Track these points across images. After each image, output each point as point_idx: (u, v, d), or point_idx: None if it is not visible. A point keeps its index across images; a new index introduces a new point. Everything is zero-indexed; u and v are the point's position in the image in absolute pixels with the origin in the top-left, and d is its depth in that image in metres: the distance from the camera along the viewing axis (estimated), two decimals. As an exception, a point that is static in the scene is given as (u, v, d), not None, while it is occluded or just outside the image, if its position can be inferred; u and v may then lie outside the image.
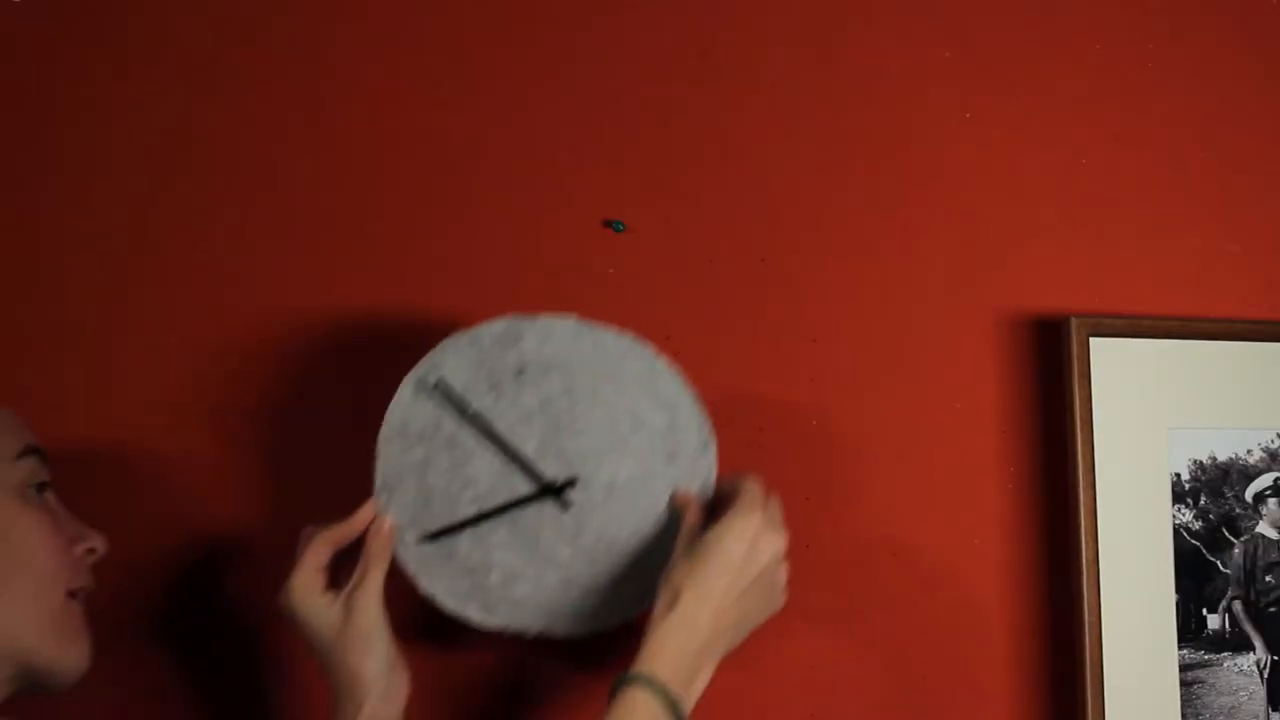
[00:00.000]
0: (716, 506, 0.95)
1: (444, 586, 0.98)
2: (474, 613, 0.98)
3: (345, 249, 1.09)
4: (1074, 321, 1.10)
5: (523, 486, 0.98)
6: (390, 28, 1.11)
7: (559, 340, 0.99)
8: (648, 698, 0.86)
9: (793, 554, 1.08)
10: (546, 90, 1.11)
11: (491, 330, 0.99)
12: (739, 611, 0.92)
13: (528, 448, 0.98)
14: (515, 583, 0.98)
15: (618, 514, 0.98)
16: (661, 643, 0.88)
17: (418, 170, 1.10)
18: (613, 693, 0.86)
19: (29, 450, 0.87)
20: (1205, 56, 1.18)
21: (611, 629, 0.98)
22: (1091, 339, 1.10)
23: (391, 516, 0.97)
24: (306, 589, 0.92)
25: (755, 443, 1.08)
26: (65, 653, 0.85)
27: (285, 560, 0.94)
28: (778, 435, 1.08)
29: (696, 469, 0.99)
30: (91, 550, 0.90)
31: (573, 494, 0.98)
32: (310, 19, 1.10)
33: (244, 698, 1.05)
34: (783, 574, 0.95)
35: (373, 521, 0.96)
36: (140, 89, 1.09)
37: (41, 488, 0.88)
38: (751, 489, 0.94)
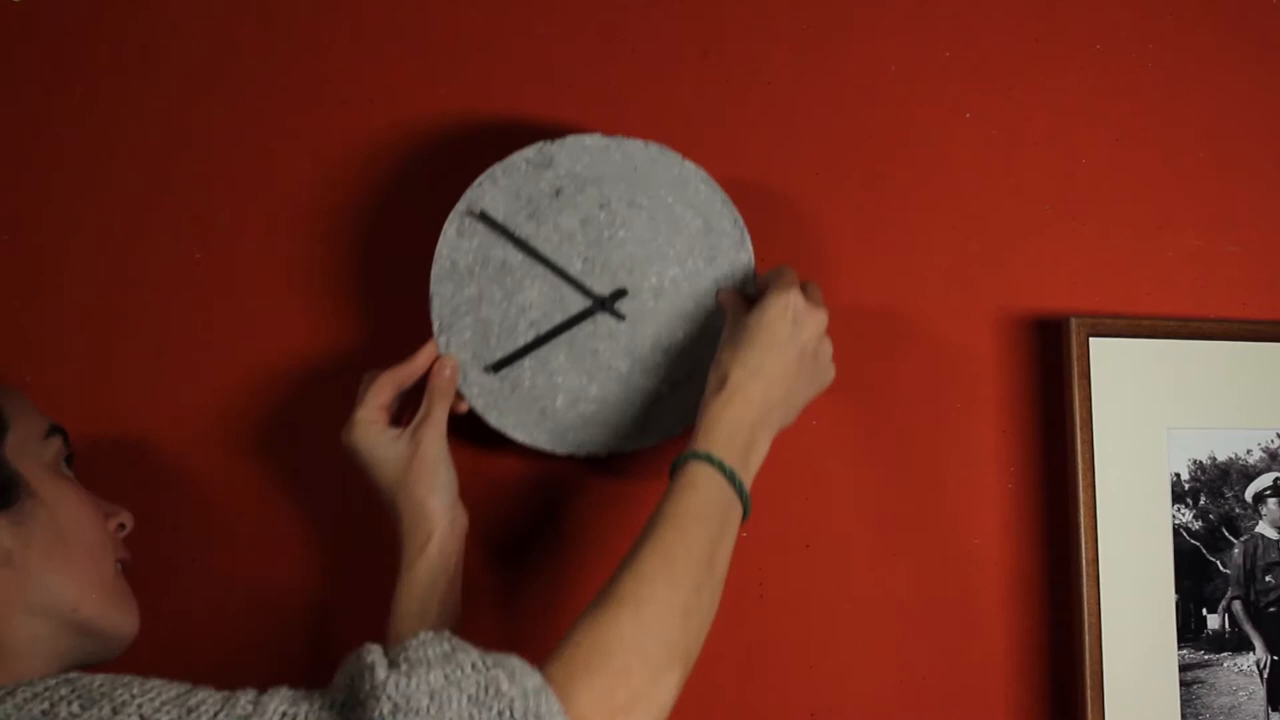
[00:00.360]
0: (759, 298, 0.98)
1: (513, 419, 1.01)
2: (545, 441, 1.01)
3: (344, 251, 1.09)
4: (1074, 321, 1.10)
5: (575, 306, 1.01)
6: (389, 29, 1.11)
7: (590, 156, 1.02)
8: (707, 470, 0.88)
9: (792, 554, 1.09)
10: (547, 90, 1.11)
11: (525, 155, 1.02)
12: (787, 385, 0.94)
13: (574, 267, 1.01)
14: (581, 403, 1.01)
15: (668, 319, 1.02)
16: (713, 420, 0.91)
17: (416, 173, 1.10)
18: (671, 475, 0.89)
19: (53, 429, 0.88)
20: (1205, 56, 1.18)
21: (680, 434, 1.01)
22: (1091, 339, 1.10)
23: (454, 355, 1.00)
24: (371, 423, 0.95)
25: (755, 443, 1.08)
26: (123, 619, 0.87)
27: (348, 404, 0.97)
28: (777, 434, 1.08)
29: (736, 264, 1.02)
30: (121, 525, 0.91)
31: (624, 305, 1.01)
32: (311, 19, 1.10)
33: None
34: (827, 348, 0.98)
35: (436, 361, 0.99)
36: (140, 88, 1.09)
37: (68, 464, 0.90)
38: (786, 272, 0.98)
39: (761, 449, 0.93)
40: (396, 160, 1.10)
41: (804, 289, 0.99)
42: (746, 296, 1.02)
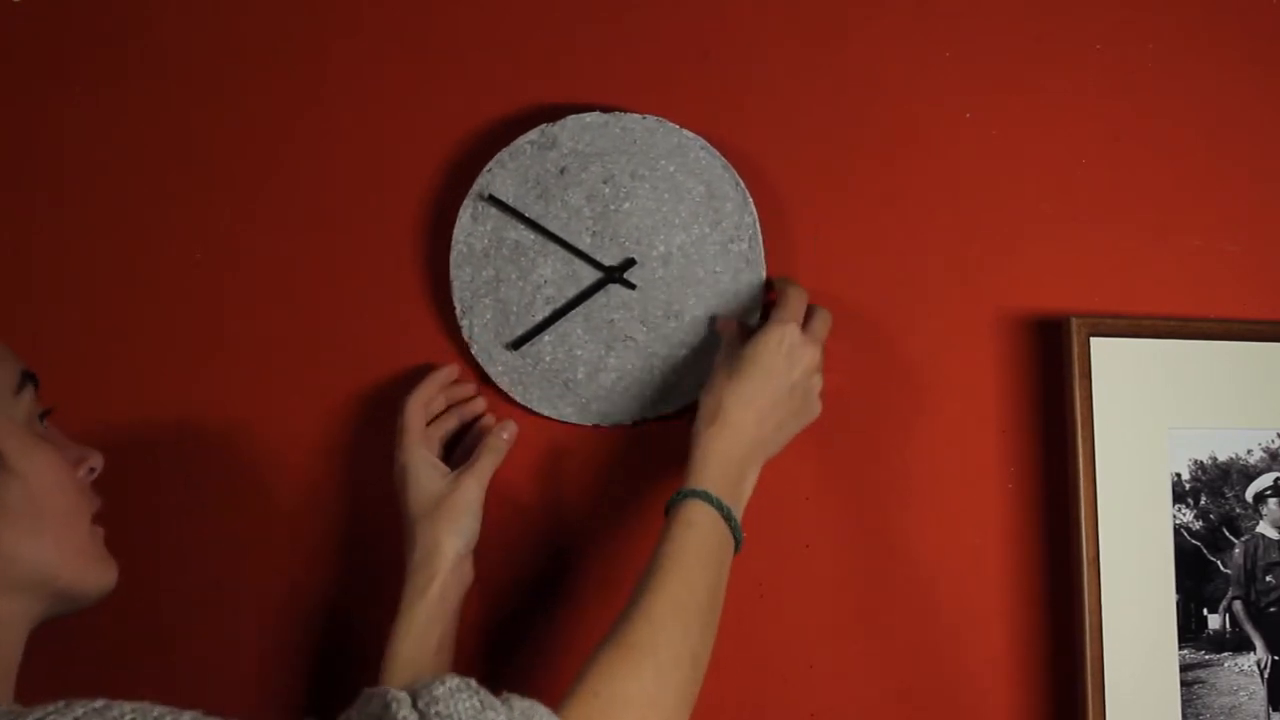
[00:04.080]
0: (761, 325, 1.00)
1: (538, 394, 1.06)
2: (570, 414, 1.05)
3: (344, 250, 1.09)
4: (1074, 321, 1.10)
5: (588, 279, 1.05)
6: (389, 31, 1.11)
7: (590, 133, 1.06)
8: (704, 507, 0.90)
9: (792, 554, 1.09)
10: (547, 92, 1.11)
11: (528, 138, 1.06)
12: (777, 419, 0.97)
13: (583, 242, 1.05)
14: (601, 374, 1.05)
15: (679, 285, 1.05)
16: (707, 455, 0.93)
17: (414, 176, 1.10)
18: (668, 512, 0.90)
19: (25, 378, 0.86)
20: (1205, 56, 1.18)
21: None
22: (1091, 339, 1.10)
23: (502, 375, 1.05)
24: (420, 445, 0.99)
25: (755, 442, 1.08)
26: (99, 578, 0.87)
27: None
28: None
29: (741, 228, 1.06)
30: (91, 469, 0.91)
31: (634, 274, 1.05)
32: (311, 19, 1.10)
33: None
34: (817, 383, 1.00)
35: (499, 422, 1.04)
36: (141, 88, 1.09)
37: (43, 417, 0.88)
38: (792, 300, 1.01)
39: (750, 482, 0.95)
40: (404, 155, 1.10)
41: (811, 316, 1.01)
42: (745, 326, 1.04)
